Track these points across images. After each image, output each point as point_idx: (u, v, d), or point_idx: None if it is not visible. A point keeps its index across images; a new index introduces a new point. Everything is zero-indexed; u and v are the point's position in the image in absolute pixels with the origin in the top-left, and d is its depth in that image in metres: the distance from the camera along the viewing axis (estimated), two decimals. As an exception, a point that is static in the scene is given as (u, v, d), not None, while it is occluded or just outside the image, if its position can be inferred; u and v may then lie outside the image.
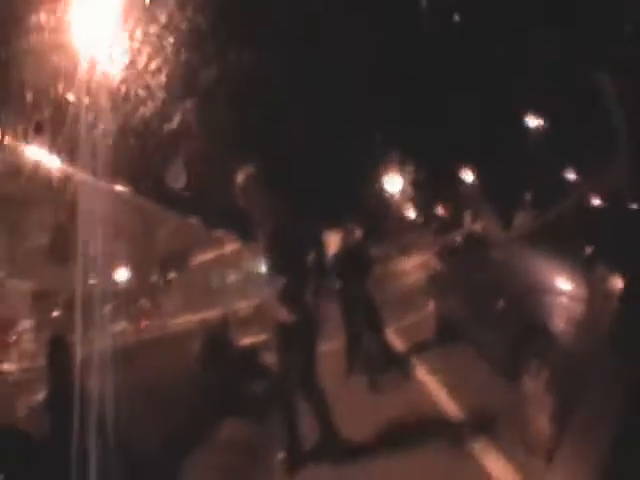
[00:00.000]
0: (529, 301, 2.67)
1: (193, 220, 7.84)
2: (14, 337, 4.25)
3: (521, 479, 2.51)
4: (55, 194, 4.15)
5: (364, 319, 5.32)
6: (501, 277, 3.27)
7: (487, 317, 3.48)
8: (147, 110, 5.61)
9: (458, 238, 4.68)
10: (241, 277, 10.47)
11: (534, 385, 2.56)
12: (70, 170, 4.18)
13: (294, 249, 3.39)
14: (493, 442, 2.93)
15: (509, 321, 2.94)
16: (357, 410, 3.89)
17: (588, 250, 2.53)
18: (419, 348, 5.49)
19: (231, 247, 9.48)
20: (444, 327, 5.36)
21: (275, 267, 3.53)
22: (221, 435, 4.31)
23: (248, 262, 10.54)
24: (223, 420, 4.57)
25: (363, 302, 5.39)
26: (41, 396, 3.48)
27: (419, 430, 3.45)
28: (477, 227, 4.11)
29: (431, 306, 5.89)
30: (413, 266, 12.70)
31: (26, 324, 4.29)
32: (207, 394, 5.04)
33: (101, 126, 4.00)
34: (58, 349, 3.40)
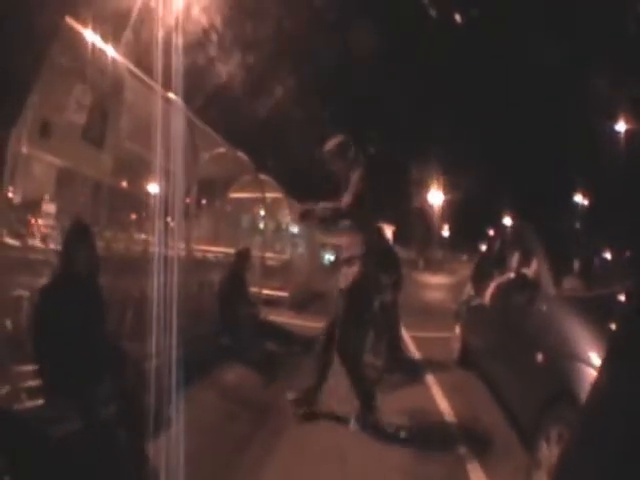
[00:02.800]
0: (566, 366, 2.56)
1: (243, 153, 7.19)
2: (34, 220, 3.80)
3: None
4: (104, 77, 3.74)
5: (383, 316, 5.16)
6: (542, 330, 3.10)
7: (518, 365, 3.37)
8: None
9: (508, 274, 4.26)
10: (272, 227, 9.99)
11: (549, 452, 2.47)
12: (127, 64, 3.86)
13: (365, 218, 3.62)
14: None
15: (541, 379, 2.86)
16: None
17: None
18: (435, 362, 5.48)
19: (273, 195, 8.87)
20: (465, 353, 5.27)
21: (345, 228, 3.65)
22: (226, 377, 4.26)
23: (283, 216, 10.04)
24: (232, 364, 4.50)
25: (387, 301, 5.25)
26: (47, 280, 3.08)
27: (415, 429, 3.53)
28: (529, 271, 3.71)
29: (457, 329, 5.76)
30: (442, 283, 12.17)
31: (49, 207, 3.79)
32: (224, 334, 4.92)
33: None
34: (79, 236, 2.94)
